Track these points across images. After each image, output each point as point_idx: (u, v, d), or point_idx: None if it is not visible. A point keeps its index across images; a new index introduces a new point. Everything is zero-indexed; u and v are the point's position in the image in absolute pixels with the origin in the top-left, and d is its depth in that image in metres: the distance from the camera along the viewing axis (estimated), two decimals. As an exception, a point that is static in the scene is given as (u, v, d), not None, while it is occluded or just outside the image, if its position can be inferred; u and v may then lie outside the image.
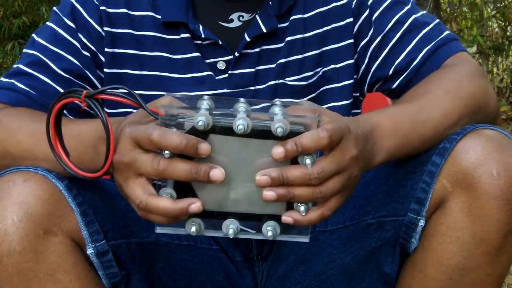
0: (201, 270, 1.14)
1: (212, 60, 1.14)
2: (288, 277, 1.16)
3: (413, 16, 1.16)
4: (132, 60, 1.14)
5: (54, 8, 1.16)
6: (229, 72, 1.14)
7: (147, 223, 1.06)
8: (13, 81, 1.10)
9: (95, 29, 1.13)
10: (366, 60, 1.17)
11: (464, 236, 0.94)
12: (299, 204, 0.83)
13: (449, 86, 1.03)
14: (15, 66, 1.13)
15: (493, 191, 0.91)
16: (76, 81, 1.11)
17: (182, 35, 1.14)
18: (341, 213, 1.12)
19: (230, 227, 0.84)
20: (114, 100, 0.85)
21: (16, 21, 4.55)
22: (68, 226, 0.92)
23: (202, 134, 0.81)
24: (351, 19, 1.17)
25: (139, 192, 0.82)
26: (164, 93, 1.06)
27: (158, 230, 0.86)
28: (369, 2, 1.17)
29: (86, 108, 1.12)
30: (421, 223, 0.99)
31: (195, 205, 0.81)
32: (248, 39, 1.13)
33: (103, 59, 1.13)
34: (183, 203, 0.81)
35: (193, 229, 0.84)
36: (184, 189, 0.83)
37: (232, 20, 1.15)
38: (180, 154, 0.81)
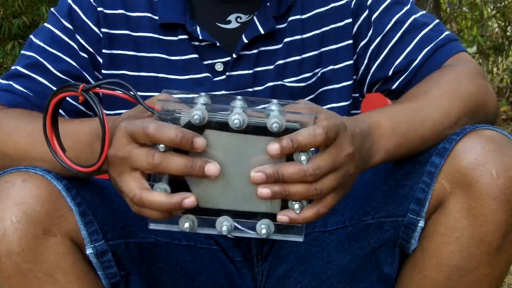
0: (201, 270, 1.14)
1: (210, 61, 1.14)
2: (288, 277, 1.16)
3: (413, 17, 1.16)
4: (130, 61, 1.14)
5: (52, 9, 1.16)
6: (227, 73, 1.14)
7: (146, 223, 1.06)
8: (10, 82, 1.10)
9: (92, 30, 1.13)
10: (366, 61, 1.17)
11: (463, 236, 0.94)
12: (293, 202, 0.83)
13: (448, 86, 1.03)
14: (13, 67, 1.13)
15: (493, 192, 0.91)
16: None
17: (180, 37, 1.14)
18: (341, 213, 1.12)
19: (224, 225, 0.84)
20: (110, 94, 0.84)
21: (16, 21, 4.55)
22: (67, 226, 0.92)
23: (198, 129, 0.81)
24: (350, 20, 1.17)
25: (133, 186, 0.82)
26: None
27: (152, 226, 0.86)
28: (368, 3, 1.16)
29: (82, 108, 1.13)
30: (421, 223, 0.99)
31: (189, 200, 0.81)
32: (246, 41, 1.12)
33: (100, 60, 1.13)
34: (177, 197, 0.81)
35: (187, 225, 0.84)
36: (178, 185, 0.83)
37: (229, 22, 1.15)
38: (175, 149, 0.81)
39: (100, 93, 1.13)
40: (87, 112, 1.13)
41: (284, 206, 0.84)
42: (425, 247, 0.99)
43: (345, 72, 1.17)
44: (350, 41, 1.17)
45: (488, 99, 1.06)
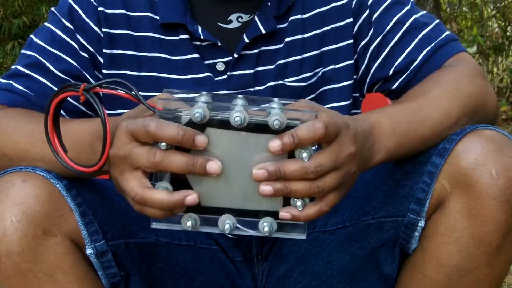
0: (201, 270, 1.14)
1: (211, 61, 1.14)
2: (288, 277, 1.16)
3: (413, 17, 1.16)
4: (131, 61, 1.14)
5: (52, 9, 1.16)
6: (228, 73, 1.14)
7: (147, 223, 1.06)
8: (11, 82, 1.10)
9: (93, 30, 1.13)
10: (366, 61, 1.17)
11: (463, 236, 0.94)
12: (295, 199, 0.83)
13: (448, 86, 1.03)
14: (13, 67, 1.13)
15: (492, 192, 0.91)
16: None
17: (181, 36, 1.14)
18: (341, 213, 1.12)
19: (226, 223, 0.84)
20: (112, 94, 0.84)
21: (16, 21, 4.55)
22: (67, 226, 0.92)
23: (199, 127, 0.81)
24: (350, 20, 1.17)
25: (134, 185, 0.82)
26: None
27: (154, 225, 0.86)
28: (369, 2, 1.16)
29: (83, 108, 1.13)
30: (421, 223, 0.99)
31: (191, 197, 0.81)
32: (247, 40, 1.12)
33: (101, 60, 1.13)
34: (179, 195, 0.81)
35: (189, 224, 0.84)
36: (180, 183, 0.83)
37: (230, 21, 1.15)
38: (176, 147, 0.81)
39: (101, 93, 1.13)
40: (88, 112, 1.13)
41: (286, 204, 0.84)
42: (425, 247, 0.99)
43: (345, 72, 1.17)
44: (351, 41, 1.17)
45: (488, 99, 1.06)
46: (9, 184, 0.90)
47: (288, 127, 0.81)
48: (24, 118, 1.03)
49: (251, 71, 1.14)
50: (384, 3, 1.16)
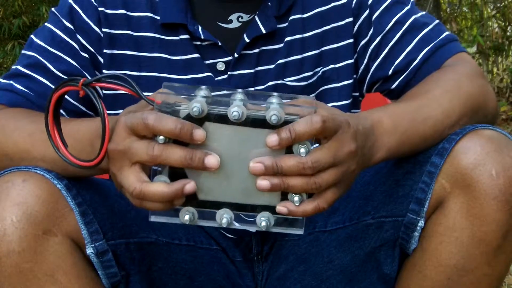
0: (201, 270, 1.14)
1: (211, 61, 1.14)
2: (288, 277, 1.16)
3: (413, 17, 1.16)
4: (131, 61, 1.14)
5: (53, 9, 1.16)
6: (229, 73, 1.14)
7: (147, 223, 1.06)
8: (11, 82, 1.10)
9: (93, 30, 1.13)
10: (366, 60, 1.17)
11: (463, 236, 0.94)
12: (293, 194, 0.83)
13: (448, 85, 1.03)
14: (13, 67, 1.13)
15: (492, 192, 0.91)
16: None
17: (181, 36, 1.14)
18: (341, 213, 1.12)
19: (224, 217, 0.84)
20: (111, 88, 0.84)
21: (16, 21, 4.54)
22: (67, 226, 0.92)
23: (198, 121, 0.81)
24: (350, 19, 1.17)
25: (133, 180, 0.82)
26: None
27: (153, 218, 0.86)
28: (369, 2, 1.17)
29: (83, 108, 1.13)
30: (421, 223, 0.99)
31: (190, 185, 0.81)
32: (247, 40, 1.13)
33: (101, 60, 1.14)
34: (177, 184, 0.81)
35: (187, 217, 0.84)
36: (178, 177, 0.83)
37: (231, 21, 1.15)
38: (175, 142, 0.81)
39: (102, 94, 1.13)
40: (88, 112, 1.13)
41: (284, 198, 0.85)
42: (425, 247, 0.99)
43: (345, 71, 1.17)
44: (351, 40, 1.17)
45: (488, 99, 1.06)
46: (9, 184, 0.90)
47: (286, 122, 0.81)
48: (25, 118, 1.03)
49: (252, 70, 1.14)
50: (384, 3, 1.16)
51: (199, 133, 0.80)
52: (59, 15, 1.14)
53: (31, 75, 1.10)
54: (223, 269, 1.17)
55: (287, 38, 1.15)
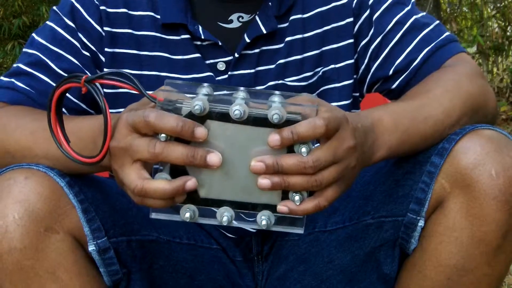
0: (202, 269, 1.14)
1: (212, 61, 1.14)
2: (288, 277, 1.16)
3: (414, 17, 1.16)
4: (132, 60, 1.14)
5: (54, 7, 1.16)
6: (229, 73, 1.14)
7: (148, 221, 1.06)
8: (12, 80, 1.11)
9: (95, 29, 1.13)
10: (366, 60, 1.17)
11: (463, 236, 0.95)
12: (293, 193, 0.83)
13: (449, 85, 1.03)
14: (14, 65, 1.13)
15: (492, 192, 0.91)
16: None
17: (182, 36, 1.14)
18: (341, 213, 1.12)
19: (225, 215, 0.84)
20: (113, 85, 0.84)
21: (16, 21, 4.54)
22: (69, 223, 0.92)
23: (199, 119, 0.81)
24: (351, 19, 1.17)
25: (134, 177, 0.82)
26: None
27: (153, 215, 0.86)
28: (370, 2, 1.17)
29: (84, 106, 1.13)
30: (421, 223, 0.99)
31: (191, 182, 0.82)
32: (248, 40, 1.13)
33: (103, 59, 1.14)
34: (179, 181, 0.81)
35: (187, 215, 0.84)
36: (179, 174, 0.83)
37: (231, 21, 1.15)
38: (176, 139, 0.81)
39: (103, 92, 1.13)
40: (89, 110, 1.14)
41: (285, 198, 0.85)
42: (425, 247, 0.99)
43: (346, 71, 1.17)
44: (351, 40, 1.17)
45: (488, 99, 1.06)
46: (11, 181, 0.90)
47: (288, 121, 0.81)
48: (27, 115, 1.03)
49: (252, 70, 1.14)
50: (384, 3, 1.17)
51: (200, 131, 0.80)
52: (60, 14, 1.14)
53: (33, 73, 1.11)
54: (223, 269, 1.17)
55: (288, 38, 1.15)
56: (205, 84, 0.84)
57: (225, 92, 0.85)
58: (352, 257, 1.11)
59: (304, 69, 1.16)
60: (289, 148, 0.82)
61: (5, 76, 1.12)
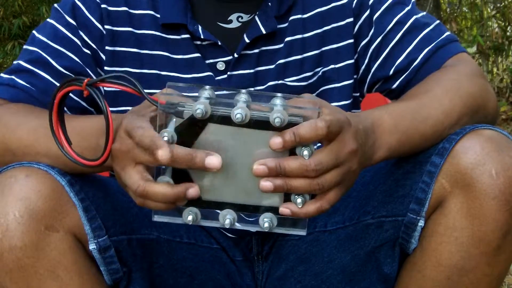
0: (202, 268, 1.14)
1: (211, 60, 1.14)
2: (288, 277, 1.16)
3: (414, 17, 1.16)
4: (133, 59, 1.14)
5: (55, 5, 1.16)
6: (229, 73, 1.14)
7: (148, 220, 1.06)
8: (13, 77, 1.11)
9: (96, 27, 1.13)
10: (366, 60, 1.17)
11: (463, 236, 0.94)
12: (296, 196, 0.83)
13: (449, 85, 1.03)
14: (15, 62, 1.13)
15: (492, 192, 0.91)
16: None
17: (182, 36, 1.14)
18: (341, 213, 1.12)
19: (227, 218, 0.84)
20: (115, 88, 0.84)
21: (16, 21, 4.54)
22: (70, 222, 0.92)
23: (201, 122, 0.81)
24: (351, 19, 1.17)
25: (136, 178, 0.82)
26: None
27: (156, 218, 0.86)
28: (370, 2, 1.17)
29: (85, 104, 1.13)
30: (421, 223, 0.99)
31: (193, 189, 0.82)
32: (247, 41, 1.13)
33: (103, 57, 1.14)
34: (180, 187, 0.82)
35: (190, 218, 0.84)
36: (181, 178, 0.83)
37: (231, 21, 1.15)
38: (178, 141, 0.81)
39: (103, 90, 1.13)
40: (89, 108, 1.14)
41: (287, 199, 0.85)
42: (425, 246, 0.99)
43: (346, 71, 1.17)
44: (351, 40, 1.17)
45: (488, 99, 1.06)
46: (12, 179, 0.90)
47: (289, 124, 0.81)
48: (28, 113, 1.03)
49: (252, 70, 1.14)
50: (385, 3, 1.17)
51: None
52: (61, 11, 1.14)
53: (33, 71, 1.11)
54: (223, 268, 1.17)
55: (287, 38, 1.15)
56: (207, 87, 0.84)
57: (226, 93, 0.85)
58: (352, 257, 1.11)
59: (304, 69, 1.16)
60: (291, 151, 0.82)
61: (5, 73, 1.12)
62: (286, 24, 1.16)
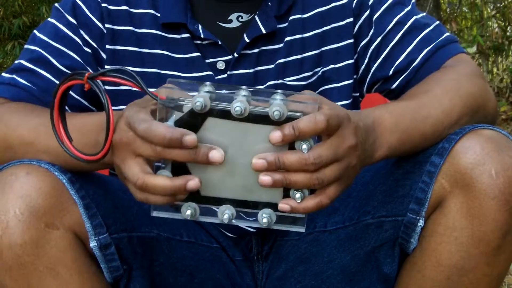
0: (202, 267, 1.15)
1: (211, 60, 1.14)
2: (288, 277, 1.16)
3: (414, 17, 1.16)
4: (133, 58, 1.14)
5: (56, 4, 1.16)
6: (228, 72, 1.14)
7: (149, 218, 1.06)
8: (14, 76, 1.11)
9: (96, 26, 1.13)
10: (366, 60, 1.17)
11: (463, 236, 0.95)
12: (295, 191, 0.83)
13: (449, 85, 1.03)
14: (16, 61, 1.13)
15: (492, 191, 0.91)
16: None
17: (183, 35, 1.14)
18: (341, 213, 1.12)
19: (226, 213, 0.84)
20: (116, 82, 0.84)
21: (16, 21, 4.54)
22: (70, 219, 0.92)
23: (201, 116, 0.81)
24: (351, 19, 1.17)
25: (136, 171, 0.82)
26: None
27: (155, 213, 0.87)
28: (370, 2, 1.17)
29: (85, 103, 1.13)
30: (420, 223, 0.99)
31: (193, 182, 0.81)
32: (247, 40, 1.13)
33: (104, 56, 1.14)
34: (180, 180, 0.81)
35: (188, 213, 0.84)
36: (181, 172, 0.83)
37: (231, 21, 1.15)
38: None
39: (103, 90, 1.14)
40: (90, 107, 1.14)
41: (286, 196, 0.85)
42: (425, 246, 0.99)
43: (345, 71, 1.17)
44: (351, 40, 1.17)
45: (488, 100, 1.06)
46: (12, 177, 0.90)
47: (289, 119, 0.81)
48: (29, 111, 1.03)
49: (251, 70, 1.14)
50: (385, 3, 1.17)
51: (189, 139, 0.80)
52: (62, 11, 1.14)
53: (34, 70, 1.11)
54: (223, 268, 1.18)
55: (287, 38, 1.15)
56: (207, 83, 0.84)
57: (226, 90, 0.85)
58: (352, 257, 1.11)
59: (303, 69, 1.16)
60: (290, 146, 0.82)
61: (6, 73, 1.12)
62: (286, 24, 1.16)
